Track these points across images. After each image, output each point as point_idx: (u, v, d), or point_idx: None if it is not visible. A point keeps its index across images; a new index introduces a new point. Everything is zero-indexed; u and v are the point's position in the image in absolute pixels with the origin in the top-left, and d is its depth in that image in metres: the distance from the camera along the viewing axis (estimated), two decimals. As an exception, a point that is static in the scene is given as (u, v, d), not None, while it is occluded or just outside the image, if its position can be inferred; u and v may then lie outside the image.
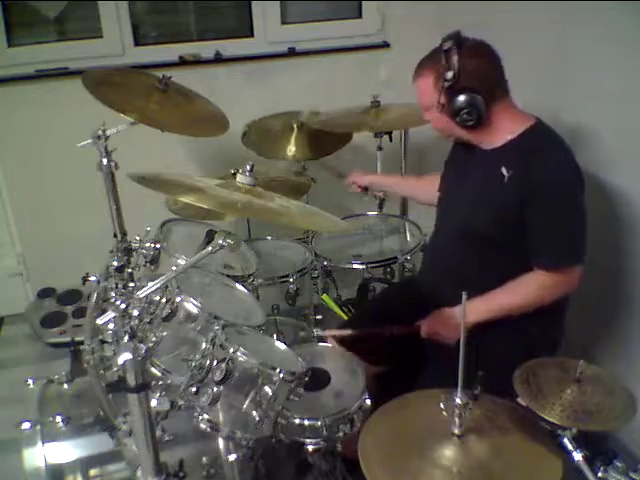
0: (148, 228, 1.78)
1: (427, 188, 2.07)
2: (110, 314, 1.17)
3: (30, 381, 1.99)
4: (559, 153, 1.67)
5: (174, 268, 1.26)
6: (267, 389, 1.36)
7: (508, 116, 1.70)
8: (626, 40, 1.88)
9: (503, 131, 1.70)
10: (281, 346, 1.60)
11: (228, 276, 1.78)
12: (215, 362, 1.35)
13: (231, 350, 1.35)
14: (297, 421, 1.58)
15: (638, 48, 1.83)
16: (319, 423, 1.58)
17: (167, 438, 1.45)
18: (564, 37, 2.15)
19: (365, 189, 2.29)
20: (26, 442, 1.75)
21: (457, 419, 1.21)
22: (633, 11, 1.78)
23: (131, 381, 1.14)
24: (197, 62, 2.81)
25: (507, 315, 1.70)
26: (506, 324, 1.71)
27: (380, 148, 2.54)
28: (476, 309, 1.66)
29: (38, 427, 1.78)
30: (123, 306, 1.17)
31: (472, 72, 1.62)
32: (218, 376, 1.32)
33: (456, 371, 1.20)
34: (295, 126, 2.53)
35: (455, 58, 1.60)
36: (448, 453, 1.20)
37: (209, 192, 1.34)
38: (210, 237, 1.27)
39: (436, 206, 1.98)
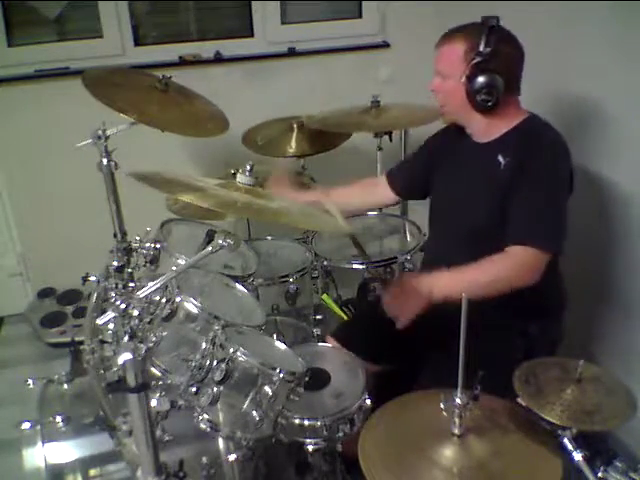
0: (148, 228, 1.78)
1: (358, 197, 2.14)
2: (110, 314, 1.16)
3: (30, 381, 1.99)
4: (553, 139, 1.68)
5: (174, 268, 1.26)
6: (267, 389, 1.36)
7: (512, 110, 1.71)
8: (626, 38, 1.88)
9: (501, 124, 1.71)
10: (281, 346, 1.60)
11: (228, 276, 1.78)
12: (215, 362, 1.35)
13: (231, 350, 1.35)
14: (297, 421, 1.58)
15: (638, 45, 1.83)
16: (319, 423, 1.58)
17: (167, 438, 1.45)
18: (564, 37, 2.15)
19: None
20: (26, 442, 1.76)
21: (457, 419, 1.21)
22: (635, 8, 1.78)
23: (131, 381, 1.13)
24: (197, 62, 2.82)
25: (474, 295, 1.65)
26: (505, 324, 1.70)
27: (380, 148, 2.54)
28: (445, 283, 1.64)
29: (38, 427, 1.78)
30: (123, 306, 1.17)
31: (504, 57, 1.62)
32: (218, 376, 1.33)
33: (456, 371, 1.20)
34: (295, 126, 2.53)
35: (494, 37, 1.60)
36: (448, 453, 1.20)
37: (209, 191, 1.34)
38: (210, 237, 1.27)
39: (430, 210, 1.98)
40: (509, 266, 1.63)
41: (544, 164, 1.63)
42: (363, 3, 2.99)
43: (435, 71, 1.74)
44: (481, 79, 1.62)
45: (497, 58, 1.61)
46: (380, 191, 2.10)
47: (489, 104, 1.64)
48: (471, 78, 1.63)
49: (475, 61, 1.61)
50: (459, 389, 1.21)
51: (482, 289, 1.60)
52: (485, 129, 1.74)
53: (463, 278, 1.65)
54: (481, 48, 1.61)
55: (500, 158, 1.68)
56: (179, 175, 1.42)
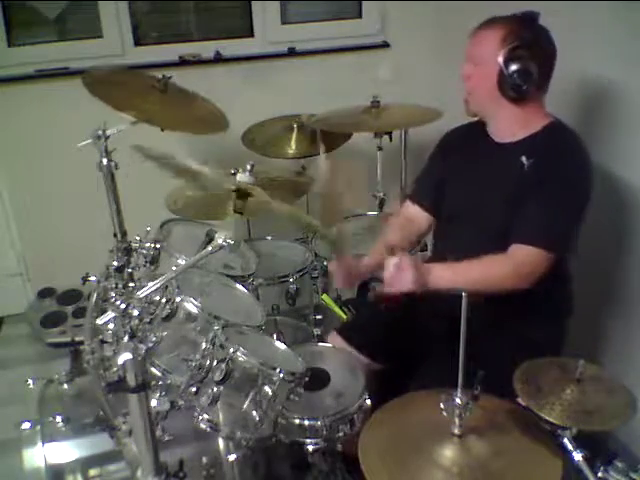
0: (148, 228, 1.78)
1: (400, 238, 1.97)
2: (110, 314, 1.16)
3: (30, 381, 1.99)
4: (579, 149, 1.67)
5: (174, 268, 1.26)
6: (267, 389, 1.36)
7: (538, 110, 1.69)
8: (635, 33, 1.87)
9: (526, 123, 1.69)
10: (281, 346, 1.60)
11: (228, 276, 1.78)
12: (215, 362, 1.35)
13: (231, 350, 1.35)
14: (297, 421, 1.58)
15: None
16: (319, 423, 1.58)
17: (167, 438, 1.45)
18: (569, 33, 2.14)
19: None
20: (26, 442, 1.76)
21: (457, 419, 1.21)
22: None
23: (131, 381, 1.14)
24: (197, 62, 2.82)
25: (473, 290, 1.52)
26: (507, 326, 1.70)
27: (380, 148, 2.54)
28: (441, 274, 1.62)
29: (38, 427, 1.78)
30: (123, 306, 1.17)
31: (542, 49, 1.63)
32: (218, 376, 1.33)
33: (456, 370, 1.20)
34: (295, 126, 2.53)
35: (535, 29, 1.62)
36: (448, 453, 1.20)
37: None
38: (210, 237, 1.27)
39: (445, 208, 1.93)
40: (508, 265, 1.62)
41: (567, 173, 1.61)
42: (363, 3, 2.99)
43: (467, 57, 1.70)
44: (517, 64, 1.60)
45: (535, 48, 1.60)
46: (413, 218, 1.97)
47: (522, 90, 1.61)
48: (507, 62, 1.60)
49: (513, 45, 1.59)
50: (459, 389, 1.21)
51: (477, 286, 1.57)
52: (509, 125, 1.71)
53: (460, 272, 1.63)
54: (521, 33, 1.60)
55: (524, 159, 1.65)
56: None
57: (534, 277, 1.60)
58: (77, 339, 2.23)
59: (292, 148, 2.51)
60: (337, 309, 2.25)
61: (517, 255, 1.61)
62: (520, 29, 1.61)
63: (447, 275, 1.62)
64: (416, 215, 1.96)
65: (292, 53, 2.91)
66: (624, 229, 2.00)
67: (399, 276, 1.58)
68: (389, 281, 1.60)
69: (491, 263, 1.62)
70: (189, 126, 2.13)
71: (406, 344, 1.85)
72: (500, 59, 1.61)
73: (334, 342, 1.93)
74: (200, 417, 1.38)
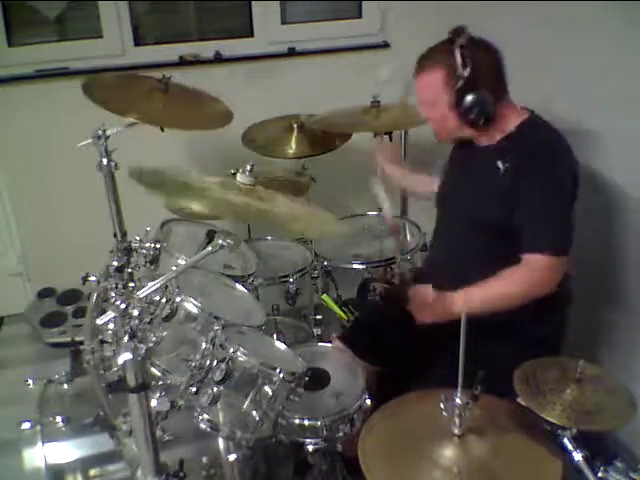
0: (148, 228, 1.78)
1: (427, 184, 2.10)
2: (110, 314, 1.17)
3: (30, 381, 1.99)
4: (548, 140, 1.67)
5: (174, 268, 1.26)
6: (267, 389, 1.36)
7: (508, 112, 1.70)
8: (626, 37, 1.87)
9: (502, 127, 1.71)
10: (281, 346, 1.60)
11: (228, 276, 1.78)
12: (215, 362, 1.35)
13: (231, 350, 1.35)
14: (297, 421, 1.58)
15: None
16: (319, 423, 1.58)
17: (167, 438, 1.45)
18: (563, 35, 2.15)
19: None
20: (26, 442, 1.76)
21: (457, 419, 1.21)
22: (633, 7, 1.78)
23: (131, 381, 1.14)
24: (197, 62, 2.82)
25: (499, 307, 1.64)
26: (506, 327, 1.70)
27: (380, 148, 2.54)
28: (467, 302, 1.62)
29: (38, 427, 1.78)
30: (123, 306, 1.17)
31: (485, 69, 1.62)
32: (218, 376, 1.33)
33: (456, 371, 1.20)
34: (295, 126, 2.53)
35: (468, 53, 1.58)
36: (448, 453, 1.20)
37: (207, 195, 1.34)
38: (210, 237, 1.27)
39: (438, 207, 1.97)
40: (528, 275, 1.64)
41: (540, 168, 1.62)
42: (363, 3, 2.99)
43: (420, 101, 1.74)
44: (469, 99, 1.61)
45: (478, 73, 1.59)
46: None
47: (484, 120, 1.64)
48: (459, 102, 1.62)
49: (458, 86, 1.60)
50: (459, 389, 1.21)
51: (506, 302, 1.64)
52: (484, 137, 1.74)
53: (485, 295, 1.66)
54: (459, 71, 1.59)
55: (499, 164, 1.67)
56: (180, 175, 1.42)
57: (555, 281, 1.64)
58: (77, 339, 2.23)
59: (292, 148, 2.51)
60: (337, 309, 2.25)
61: (532, 263, 1.64)
62: (455, 63, 1.59)
63: (474, 301, 1.63)
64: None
65: (292, 53, 2.91)
66: (622, 230, 2.00)
67: (422, 309, 1.68)
68: (415, 313, 1.71)
69: (512, 277, 1.65)
70: (192, 123, 2.12)
71: (408, 348, 1.85)
72: (452, 101, 1.63)
73: (336, 347, 1.93)
74: (200, 417, 1.39)
